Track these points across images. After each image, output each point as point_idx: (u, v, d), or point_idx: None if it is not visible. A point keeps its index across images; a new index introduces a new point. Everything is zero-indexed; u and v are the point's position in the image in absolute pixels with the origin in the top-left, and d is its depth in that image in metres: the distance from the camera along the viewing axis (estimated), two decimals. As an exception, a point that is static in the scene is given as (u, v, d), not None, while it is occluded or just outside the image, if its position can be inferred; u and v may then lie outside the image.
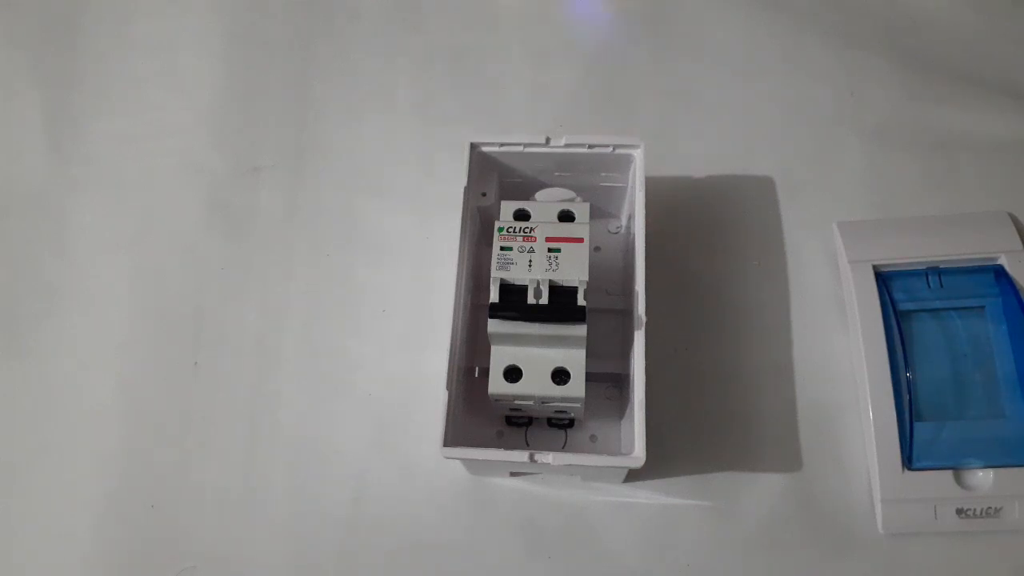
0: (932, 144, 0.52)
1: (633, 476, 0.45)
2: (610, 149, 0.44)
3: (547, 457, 0.38)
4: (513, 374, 0.40)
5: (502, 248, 0.40)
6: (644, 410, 0.38)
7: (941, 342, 0.45)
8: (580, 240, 0.40)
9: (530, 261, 0.40)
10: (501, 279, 0.40)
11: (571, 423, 0.45)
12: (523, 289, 0.39)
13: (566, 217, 0.42)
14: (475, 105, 0.55)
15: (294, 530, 0.46)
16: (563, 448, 0.45)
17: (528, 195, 0.48)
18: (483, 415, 0.45)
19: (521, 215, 0.43)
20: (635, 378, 0.39)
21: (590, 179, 0.47)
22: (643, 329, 0.40)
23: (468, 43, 0.57)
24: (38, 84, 0.58)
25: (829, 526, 0.44)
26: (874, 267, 0.46)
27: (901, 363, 0.44)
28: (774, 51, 0.55)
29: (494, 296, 0.39)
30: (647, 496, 0.45)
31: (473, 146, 0.45)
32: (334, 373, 0.49)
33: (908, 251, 0.46)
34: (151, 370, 0.50)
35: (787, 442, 0.46)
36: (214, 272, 0.52)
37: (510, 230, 0.41)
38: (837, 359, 0.47)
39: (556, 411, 0.42)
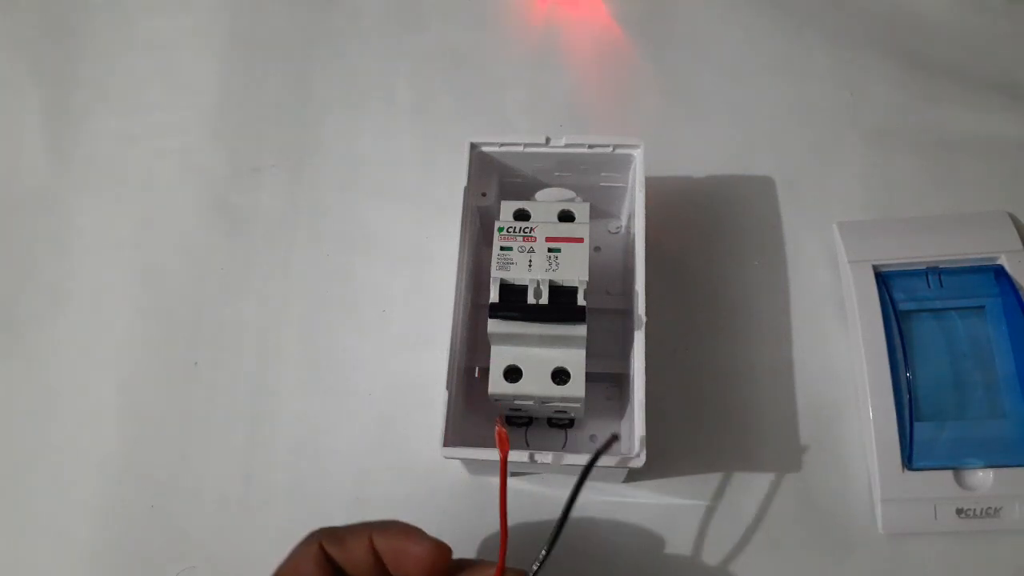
0: (932, 144, 0.52)
1: (633, 476, 0.45)
2: (610, 149, 0.44)
3: (547, 457, 0.38)
4: (513, 374, 0.40)
5: (502, 248, 0.40)
6: (644, 410, 0.38)
7: (941, 342, 0.45)
8: (580, 240, 0.40)
9: (530, 261, 0.40)
10: (501, 279, 0.40)
11: (571, 423, 0.45)
12: (523, 289, 0.39)
13: (566, 217, 0.42)
14: (475, 105, 0.55)
15: (294, 530, 0.45)
16: (563, 448, 0.45)
17: (528, 195, 0.48)
18: (483, 415, 0.45)
19: (521, 215, 0.43)
20: (635, 378, 0.39)
21: (590, 179, 0.47)
22: (643, 329, 0.40)
23: (468, 43, 0.57)
24: (38, 84, 0.58)
25: (829, 526, 0.44)
26: (874, 267, 0.46)
27: (901, 363, 0.44)
28: (774, 51, 0.55)
29: (494, 296, 0.39)
30: (647, 496, 0.45)
31: (473, 146, 0.45)
32: (334, 373, 0.49)
33: (908, 251, 0.46)
34: (151, 370, 0.50)
35: (787, 442, 0.46)
36: (214, 272, 0.52)
37: (510, 230, 0.41)
38: (837, 359, 0.47)
39: (556, 411, 0.42)
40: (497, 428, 0.37)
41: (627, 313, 0.45)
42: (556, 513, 0.45)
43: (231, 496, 0.46)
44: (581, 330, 0.39)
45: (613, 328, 0.46)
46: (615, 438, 0.38)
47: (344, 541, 0.35)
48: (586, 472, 0.36)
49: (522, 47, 0.57)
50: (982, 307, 0.45)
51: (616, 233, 0.50)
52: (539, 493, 0.45)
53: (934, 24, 0.55)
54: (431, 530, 0.44)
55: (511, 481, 0.45)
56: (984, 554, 0.43)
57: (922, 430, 0.43)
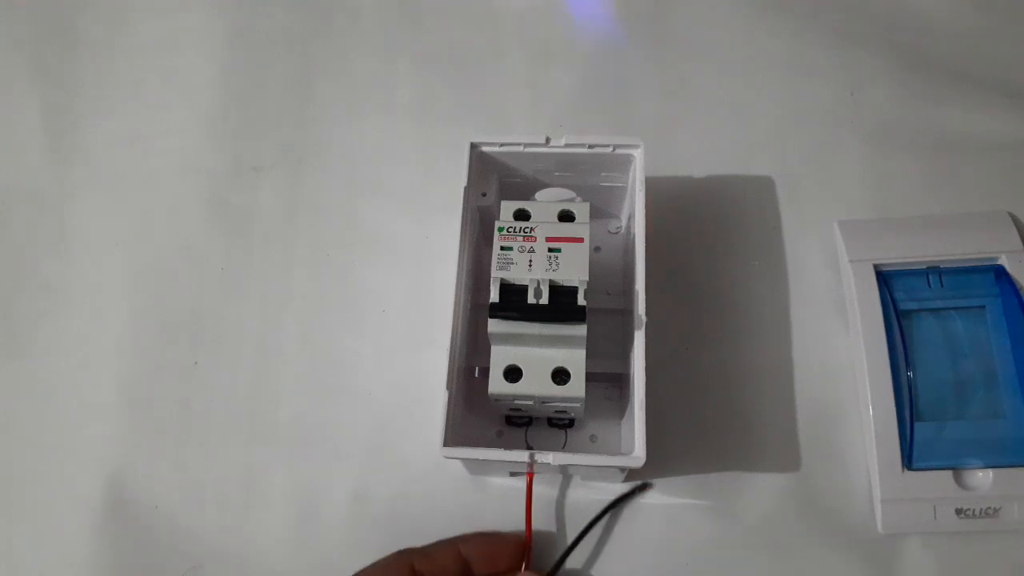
0: (932, 144, 0.52)
1: (633, 476, 0.45)
2: (610, 149, 0.44)
3: (547, 457, 0.38)
4: (513, 374, 0.40)
5: (502, 248, 0.40)
6: (644, 410, 0.38)
7: (942, 342, 0.45)
8: (580, 240, 0.40)
9: (530, 261, 0.40)
10: (501, 279, 0.40)
11: (571, 423, 0.45)
12: (523, 289, 0.39)
13: (566, 217, 0.42)
14: (475, 105, 0.55)
15: (296, 529, 0.46)
16: (563, 448, 0.45)
17: (528, 195, 0.47)
18: (483, 415, 0.45)
19: (521, 215, 0.43)
20: (635, 378, 0.39)
21: (590, 179, 0.47)
22: (643, 329, 0.40)
23: (468, 43, 0.57)
24: (38, 84, 0.58)
25: (829, 526, 0.44)
26: (875, 266, 0.46)
27: (902, 363, 0.44)
28: (774, 51, 0.55)
29: (494, 296, 0.39)
30: (647, 496, 0.45)
31: (473, 146, 0.45)
32: (334, 373, 0.49)
33: (909, 250, 0.46)
34: (151, 370, 0.50)
35: (787, 442, 0.46)
36: (214, 272, 0.52)
37: (510, 230, 0.41)
38: (837, 359, 0.47)
39: (556, 411, 0.42)
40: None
41: (627, 313, 0.45)
42: (555, 512, 0.45)
43: (233, 496, 0.46)
44: (581, 330, 0.39)
45: (613, 328, 0.46)
46: (647, 486, 0.44)
47: (433, 556, 0.41)
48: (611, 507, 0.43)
49: (522, 47, 0.57)
50: (982, 307, 0.45)
51: (616, 233, 0.50)
52: (539, 493, 0.45)
53: (934, 24, 0.55)
54: (431, 529, 0.45)
55: (511, 481, 0.45)
56: (983, 554, 0.43)
57: (922, 430, 0.43)
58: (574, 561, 0.44)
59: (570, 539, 0.44)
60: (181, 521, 0.46)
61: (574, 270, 0.39)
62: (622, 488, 0.45)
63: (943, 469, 0.43)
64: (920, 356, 0.45)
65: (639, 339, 0.40)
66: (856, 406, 0.46)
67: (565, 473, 0.45)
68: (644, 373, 0.39)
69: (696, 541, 0.44)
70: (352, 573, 0.40)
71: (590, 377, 0.40)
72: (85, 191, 0.55)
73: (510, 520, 0.44)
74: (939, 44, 0.55)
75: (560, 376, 0.40)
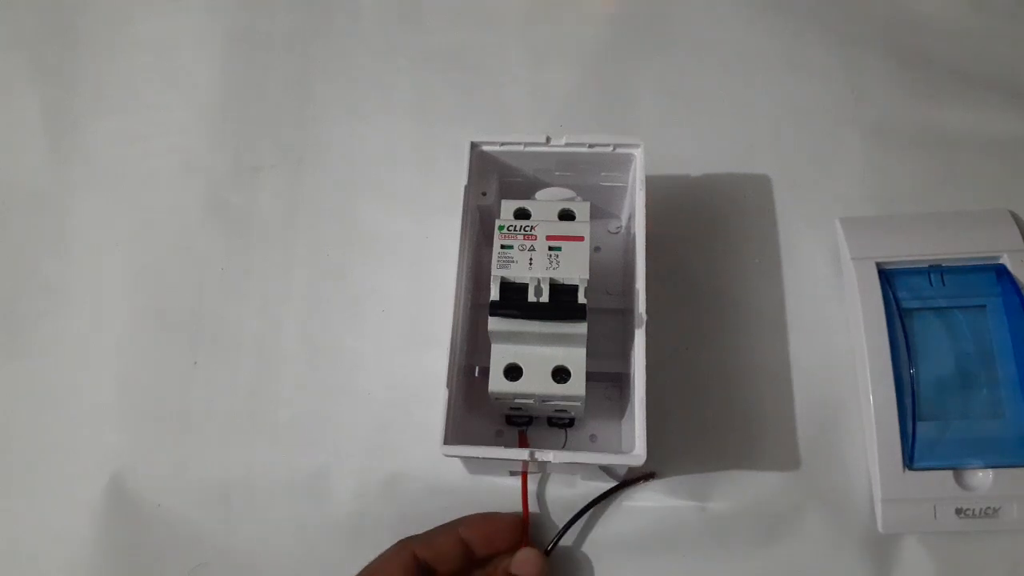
0: (933, 142, 0.52)
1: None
2: (610, 148, 0.44)
3: (547, 455, 0.38)
4: (513, 372, 0.40)
5: (503, 246, 0.40)
6: (644, 409, 0.38)
7: (944, 341, 0.45)
8: (580, 239, 0.40)
9: (531, 259, 0.40)
10: (502, 277, 0.40)
11: (571, 422, 0.45)
12: (523, 287, 0.39)
13: (566, 216, 0.42)
14: (475, 105, 0.55)
15: (297, 528, 0.46)
16: (563, 447, 0.45)
17: (528, 194, 0.47)
18: (483, 414, 0.45)
19: (521, 214, 0.42)
20: (636, 377, 0.39)
21: (590, 178, 0.47)
22: (644, 327, 0.40)
23: (468, 43, 0.57)
24: (38, 84, 0.58)
25: (829, 526, 0.44)
26: (877, 264, 0.46)
27: (904, 362, 0.44)
28: (774, 50, 0.55)
29: (495, 294, 0.39)
30: (647, 496, 0.45)
31: (473, 145, 0.45)
32: (334, 373, 0.49)
33: (911, 248, 0.46)
34: (151, 370, 0.50)
35: (787, 441, 0.46)
36: (214, 272, 0.52)
37: (511, 228, 0.41)
38: (838, 357, 0.47)
39: (556, 410, 0.42)
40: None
41: (627, 313, 0.45)
42: (554, 511, 0.45)
43: (235, 495, 0.46)
44: (582, 328, 0.39)
45: (613, 328, 0.46)
46: (651, 475, 0.45)
47: (434, 542, 0.41)
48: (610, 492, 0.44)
49: (522, 47, 0.57)
50: (983, 306, 0.45)
51: (616, 233, 0.50)
52: (538, 492, 0.45)
53: (935, 23, 0.55)
54: (430, 528, 0.45)
55: (511, 480, 0.45)
56: (983, 554, 0.43)
57: (924, 430, 0.43)
58: (572, 553, 0.44)
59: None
60: (184, 520, 0.46)
61: (574, 268, 0.39)
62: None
63: (943, 469, 0.43)
64: (922, 355, 0.45)
65: (639, 338, 0.40)
66: (857, 405, 0.46)
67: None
68: (644, 372, 0.39)
69: (695, 539, 0.44)
70: (357, 570, 0.40)
71: (590, 376, 0.40)
72: (85, 191, 0.55)
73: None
74: (939, 44, 0.55)
75: (560, 375, 0.40)
